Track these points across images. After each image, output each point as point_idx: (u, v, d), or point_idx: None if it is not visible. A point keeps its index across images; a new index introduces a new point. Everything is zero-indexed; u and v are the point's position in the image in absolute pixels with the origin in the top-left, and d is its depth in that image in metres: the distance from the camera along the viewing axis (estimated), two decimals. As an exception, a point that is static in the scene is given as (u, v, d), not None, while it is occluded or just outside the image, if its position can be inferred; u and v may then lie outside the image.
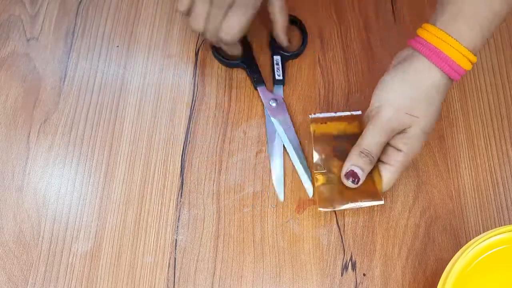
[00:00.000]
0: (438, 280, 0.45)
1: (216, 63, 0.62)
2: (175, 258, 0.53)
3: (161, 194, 0.56)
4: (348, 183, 0.52)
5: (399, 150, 0.50)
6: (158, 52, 0.63)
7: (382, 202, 0.52)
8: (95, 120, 0.59)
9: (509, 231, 0.46)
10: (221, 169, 0.57)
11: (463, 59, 0.48)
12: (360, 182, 0.51)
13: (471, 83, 0.62)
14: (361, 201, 0.52)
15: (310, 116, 0.56)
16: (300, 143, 0.58)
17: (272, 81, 0.61)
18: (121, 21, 0.65)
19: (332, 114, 0.56)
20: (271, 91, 0.60)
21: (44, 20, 0.65)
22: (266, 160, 0.57)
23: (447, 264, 0.46)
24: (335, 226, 0.55)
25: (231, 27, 0.54)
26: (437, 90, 0.49)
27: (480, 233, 0.47)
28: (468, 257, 0.45)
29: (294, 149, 0.57)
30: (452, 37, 0.47)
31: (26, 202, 0.55)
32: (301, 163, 0.56)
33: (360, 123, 0.55)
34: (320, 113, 0.56)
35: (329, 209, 0.53)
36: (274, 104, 0.59)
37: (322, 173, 0.54)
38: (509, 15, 0.48)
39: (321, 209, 0.52)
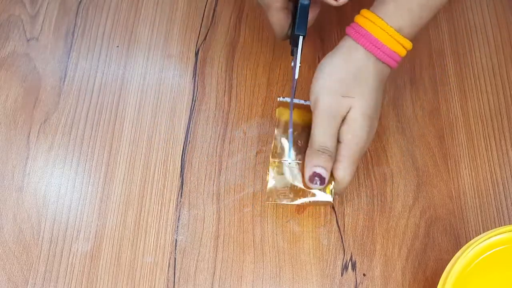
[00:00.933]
0: (438, 280, 0.45)
1: (216, 63, 0.62)
2: (175, 258, 0.53)
3: (161, 194, 0.56)
4: (314, 186, 0.48)
5: (340, 142, 0.48)
6: (158, 52, 0.63)
7: (330, 200, 0.49)
8: (95, 120, 0.59)
9: (509, 231, 0.46)
10: (221, 169, 0.57)
11: (390, 39, 0.48)
12: (326, 182, 0.48)
13: (471, 83, 0.62)
14: (309, 197, 0.49)
15: (278, 98, 0.53)
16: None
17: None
18: (121, 21, 0.65)
19: (301, 102, 0.53)
20: None
21: (44, 20, 0.65)
22: (266, 160, 0.57)
23: (447, 264, 0.46)
24: (335, 226, 0.55)
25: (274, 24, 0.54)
26: (366, 69, 0.48)
27: (480, 233, 0.47)
28: (468, 257, 0.45)
29: None
30: (378, 16, 0.48)
31: (26, 202, 0.55)
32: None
33: None
34: (289, 98, 0.53)
35: (274, 203, 0.50)
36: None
37: (278, 162, 0.50)
38: (443, 5, 0.49)
39: (267, 202, 0.50)
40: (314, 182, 0.48)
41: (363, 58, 0.48)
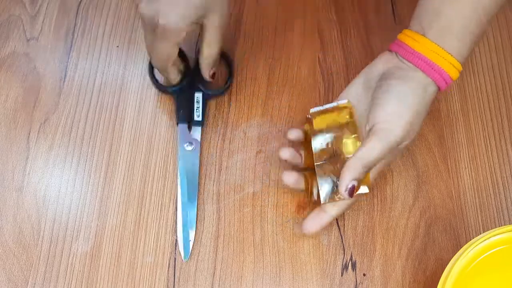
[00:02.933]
0: (438, 280, 0.45)
1: (216, 63, 0.62)
2: (175, 258, 0.53)
3: (161, 194, 0.56)
4: (346, 195, 0.47)
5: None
6: (158, 52, 0.63)
7: (367, 191, 0.49)
8: (95, 120, 0.59)
9: (509, 231, 0.46)
10: (221, 169, 0.57)
11: (456, 72, 0.48)
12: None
13: (471, 83, 0.62)
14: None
15: (311, 110, 0.52)
16: (198, 197, 0.55)
17: (190, 121, 0.58)
18: (121, 21, 0.65)
19: (329, 106, 0.52)
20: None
21: (44, 20, 0.65)
22: (266, 160, 0.57)
23: (447, 264, 0.46)
24: (335, 226, 0.55)
25: (156, 54, 0.53)
26: (431, 103, 0.49)
27: (480, 233, 0.47)
28: (468, 257, 0.45)
29: (189, 201, 0.54)
30: (446, 51, 0.47)
31: (26, 202, 0.55)
32: (183, 219, 0.54)
33: (350, 113, 0.51)
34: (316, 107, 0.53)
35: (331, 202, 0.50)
36: (189, 148, 0.56)
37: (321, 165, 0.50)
38: (488, 26, 0.50)
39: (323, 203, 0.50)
40: (347, 193, 0.47)
41: (432, 94, 0.49)
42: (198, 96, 0.58)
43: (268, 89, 0.61)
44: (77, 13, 0.65)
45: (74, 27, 0.65)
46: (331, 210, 0.51)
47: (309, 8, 0.66)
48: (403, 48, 0.49)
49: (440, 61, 0.48)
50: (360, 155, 0.47)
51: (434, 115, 0.60)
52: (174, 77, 0.57)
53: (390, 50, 0.51)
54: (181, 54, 0.58)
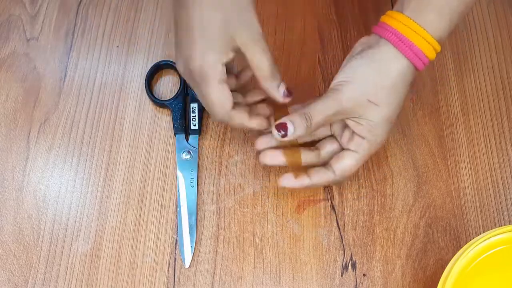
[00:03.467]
0: (438, 280, 0.45)
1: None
2: (175, 258, 0.53)
3: (161, 194, 0.56)
4: (275, 133, 0.48)
5: (363, 138, 0.49)
6: (158, 52, 0.63)
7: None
8: (95, 120, 0.59)
9: (509, 231, 0.46)
10: (221, 169, 0.57)
11: (429, 48, 0.47)
12: (286, 138, 0.48)
13: (471, 83, 0.62)
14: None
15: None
16: (197, 205, 0.55)
17: (187, 130, 0.58)
18: (121, 21, 0.65)
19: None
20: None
21: (44, 20, 0.65)
22: (266, 160, 0.57)
23: (447, 264, 0.46)
24: (335, 226, 0.55)
25: (207, 104, 0.50)
26: (402, 79, 0.48)
27: (480, 233, 0.47)
28: (468, 257, 0.45)
29: (188, 209, 0.54)
30: (419, 26, 0.46)
31: (26, 202, 0.55)
32: (190, 228, 0.54)
33: None
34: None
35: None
36: (187, 157, 0.57)
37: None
38: (474, 3, 0.49)
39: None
40: (278, 130, 0.48)
41: (404, 70, 0.47)
42: (194, 106, 0.58)
43: (268, 89, 0.61)
44: (77, 13, 0.65)
45: (74, 27, 0.65)
46: (314, 178, 0.51)
47: (309, 8, 0.66)
48: (379, 26, 0.49)
49: (411, 35, 0.46)
50: (304, 105, 0.50)
51: (434, 115, 0.60)
52: (244, 121, 0.50)
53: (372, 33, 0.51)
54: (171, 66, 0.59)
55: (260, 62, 0.48)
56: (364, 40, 0.50)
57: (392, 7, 0.66)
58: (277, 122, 0.49)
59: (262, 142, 0.52)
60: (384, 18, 0.49)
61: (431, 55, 0.47)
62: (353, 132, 0.50)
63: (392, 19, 0.48)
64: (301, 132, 0.48)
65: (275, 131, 0.49)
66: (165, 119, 0.59)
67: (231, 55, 0.47)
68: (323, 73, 0.62)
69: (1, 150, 0.58)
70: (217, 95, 0.48)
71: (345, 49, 0.63)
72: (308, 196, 0.56)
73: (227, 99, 0.48)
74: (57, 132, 0.59)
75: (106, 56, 0.63)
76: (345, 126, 0.51)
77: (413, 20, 0.46)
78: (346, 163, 0.50)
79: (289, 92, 0.50)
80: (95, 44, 0.63)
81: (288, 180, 0.51)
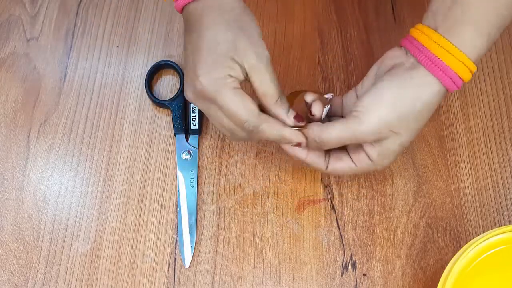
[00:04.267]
0: (438, 280, 0.45)
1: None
2: (175, 258, 0.53)
3: (161, 194, 0.56)
4: (285, 147, 0.48)
5: (370, 158, 0.47)
6: (158, 52, 0.63)
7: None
8: (95, 120, 0.59)
9: (509, 231, 0.46)
10: (221, 169, 0.57)
11: (465, 71, 0.43)
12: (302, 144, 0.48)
13: (471, 83, 0.62)
14: None
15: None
16: (197, 205, 0.55)
17: (187, 130, 0.58)
18: (121, 21, 0.65)
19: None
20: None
21: (44, 20, 0.65)
22: (267, 160, 0.57)
23: (447, 264, 0.46)
24: (335, 226, 0.55)
25: (219, 125, 0.48)
26: (431, 105, 0.45)
27: (480, 233, 0.47)
28: (468, 257, 0.45)
29: (188, 209, 0.54)
30: (455, 47, 0.43)
31: (26, 202, 0.55)
32: (190, 228, 0.54)
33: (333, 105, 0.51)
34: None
35: None
36: (187, 157, 0.57)
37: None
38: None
39: None
40: (296, 119, 0.48)
41: (434, 96, 0.44)
42: (194, 106, 0.58)
43: (268, 89, 0.61)
44: (77, 13, 0.65)
45: (74, 27, 0.65)
46: (310, 156, 0.49)
47: (309, 8, 0.66)
48: (410, 42, 0.46)
49: (446, 58, 0.43)
50: (320, 126, 0.47)
51: (434, 115, 0.59)
52: (279, 129, 0.47)
53: (401, 46, 0.48)
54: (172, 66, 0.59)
55: (268, 88, 0.47)
56: (393, 54, 0.47)
57: (392, 8, 0.66)
58: (294, 142, 0.48)
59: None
60: (415, 33, 0.46)
61: (466, 76, 0.44)
62: (363, 149, 0.47)
63: (424, 36, 0.45)
64: (313, 152, 0.48)
65: (288, 148, 0.48)
66: (165, 119, 0.59)
67: (239, 73, 0.45)
68: (323, 73, 0.62)
69: (1, 150, 0.58)
70: (237, 99, 0.45)
71: (345, 49, 0.63)
72: (308, 196, 0.56)
73: (250, 101, 0.46)
74: (57, 132, 0.59)
75: (106, 56, 0.63)
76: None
77: (448, 40, 0.43)
78: (340, 167, 0.49)
79: (299, 118, 0.48)
80: (95, 44, 0.63)
81: (288, 146, 0.49)
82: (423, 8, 0.65)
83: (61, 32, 0.64)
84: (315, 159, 0.49)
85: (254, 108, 0.46)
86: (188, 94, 0.48)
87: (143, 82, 0.61)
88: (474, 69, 0.44)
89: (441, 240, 0.54)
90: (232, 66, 0.45)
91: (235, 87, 0.45)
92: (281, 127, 0.47)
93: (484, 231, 0.50)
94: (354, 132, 0.45)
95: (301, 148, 0.49)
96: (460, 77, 0.44)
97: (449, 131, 0.59)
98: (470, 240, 0.46)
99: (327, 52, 0.63)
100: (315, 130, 0.47)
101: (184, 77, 0.48)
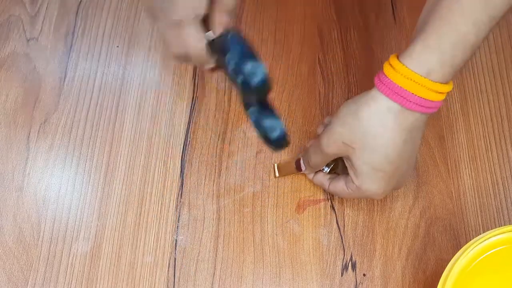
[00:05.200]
0: (438, 280, 0.45)
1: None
2: (175, 258, 0.53)
3: (161, 194, 0.56)
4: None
5: (353, 182, 0.48)
6: (158, 52, 0.63)
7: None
8: (95, 120, 0.59)
9: (509, 231, 0.46)
10: (221, 169, 0.57)
11: (418, 87, 0.43)
12: (302, 171, 0.55)
13: (471, 83, 0.62)
14: None
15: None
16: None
17: None
18: (121, 21, 0.65)
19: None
20: None
21: (44, 20, 0.65)
22: (266, 160, 0.57)
23: (447, 264, 0.46)
24: (335, 226, 0.55)
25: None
26: (384, 121, 0.44)
27: (480, 233, 0.47)
28: (468, 257, 0.45)
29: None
30: (403, 64, 0.43)
31: (26, 202, 0.55)
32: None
33: None
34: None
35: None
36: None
37: None
38: (481, 41, 0.43)
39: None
40: (297, 167, 0.55)
41: (383, 110, 0.44)
42: None
43: (268, 89, 0.61)
44: (77, 13, 0.65)
45: (74, 27, 0.65)
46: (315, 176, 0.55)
47: (309, 8, 0.66)
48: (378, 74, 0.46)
49: (390, 73, 0.43)
50: (309, 146, 0.53)
51: (434, 115, 0.60)
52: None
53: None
54: None
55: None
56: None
57: (392, 8, 0.66)
58: (296, 159, 0.55)
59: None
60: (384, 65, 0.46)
61: (424, 93, 0.43)
62: (351, 171, 0.49)
63: (385, 63, 0.45)
64: (308, 170, 0.54)
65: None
66: (164, 118, 0.60)
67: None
68: (323, 73, 0.62)
69: (1, 150, 0.58)
70: (192, 39, 0.44)
71: (345, 49, 0.63)
72: (308, 196, 0.56)
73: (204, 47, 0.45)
74: (57, 132, 0.59)
75: (106, 56, 0.63)
76: None
77: (398, 60, 0.43)
78: (338, 188, 0.51)
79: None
80: (95, 44, 0.63)
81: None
82: (423, 8, 0.66)
83: (61, 32, 0.64)
84: (319, 177, 0.55)
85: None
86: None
87: (143, 82, 0.61)
88: (432, 85, 0.43)
89: (441, 240, 0.54)
90: None
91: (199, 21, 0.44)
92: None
93: (484, 231, 0.50)
94: (318, 148, 0.49)
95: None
96: (409, 92, 0.43)
97: (449, 131, 0.59)
98: (470, 240, 0.46)
99: (327, 52, 0.63)
100: (306, 152, 0.53)
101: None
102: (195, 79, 0.62)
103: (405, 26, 0.65)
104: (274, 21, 0.65)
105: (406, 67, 0.43)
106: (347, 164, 0.49)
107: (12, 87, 0.61)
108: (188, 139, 0.59)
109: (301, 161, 0.54)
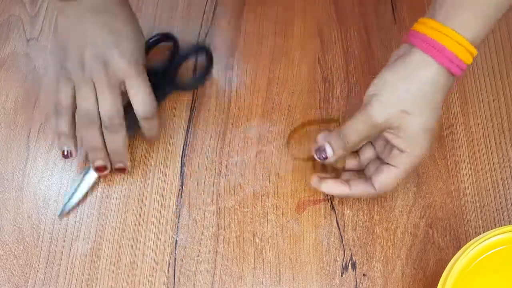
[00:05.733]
0: (438, 280, 0.45)
1: (216, 62, 0.62)
2: (175, 258, 0.53)
3: (161, 194, 0.56)
4: (316, 156, 0.52)
5: (402, 151, 0.48)
6: (152, 49, 0.63)
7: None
8: (95, 120, 0.59)
9: (509, 231, 0.46)
10: (221, 169, 0.57)
11: (462, 50, 0.45)
12: (328, 161, 0.51)
13: (471, 83, 0.62)
14: None
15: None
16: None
17: None
18: (121, 21, 0.65)
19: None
20: None
21: (44, 20, 0.65)
22: (266, 160, 0.57)
23: (447, 264, 0.46)
24: (335, 226, 0.55)
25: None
26: (434, 85, 0.46)
27: (480, 233, 0.47)
28: (468, 257, 0.45)
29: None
30: (450, 28, 0.44)
31: (26, 202, 0.55)
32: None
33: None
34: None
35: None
36: None
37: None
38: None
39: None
40: (317, 154, 0.51)
41: (435, 76, 0.46)
42: None
43: (268, 89, 0.61)
44: (77, 13, 0.65)
45: (74, 27, 0.64)
46: (354, 189, 0.52)
47: (309, 8, 0.66)
48: (409, 34, 0.48)
49: (441, 38, 0.44)
50: (342, 126, 0.50)
51: (434, 115, 0.60)
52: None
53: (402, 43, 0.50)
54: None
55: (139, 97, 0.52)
56: (396, 51, 0.49)
57: (392, 7, 0.66)
58: (316, 146, 0.52)
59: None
60: (415, 26, 0.47)
61: (466, 58, 0.45)
62: (392, 146, 0.49)
63: (421, 25, 0.46)
64: (340, 154, 0.50)
65: (315, 155, 0.51)
66: (164, 118, 0.59)
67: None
68: (323, 73, 0.62)
69: (1, 150, 0.58)
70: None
71: (345, 49, 0.63)
72: (308, 196, 0.56)
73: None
74: (57, 132, 0.59)
75: (106, 56, 0.63)
76: (387, 142, 0.50)
77: (443, 24, 0.45)
78: (385, 178, 0.50)
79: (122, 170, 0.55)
80: (95, 44, 0.63)
81: (327, 185, 0.52)
82: (423, 8, 0.66)
83: (61, 32, 0.64)
84: (360, 187, 0.51)
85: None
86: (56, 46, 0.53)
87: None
88: (473, 50, 0.45)
89: (441, 240, 0.54)
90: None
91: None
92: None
93: (484, 231, 0.50)
94: (366, 119, 0.47)
95: (341, 186, 0.52)
96: (457, 57, 0.45)
97: (449, 131, 0.59)
98: (470, 240, 0.46)
99: (327, 52, 0.63)
100: (339, 130, 0.50)
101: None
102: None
103: (405, 26, 0.65)
104: (274, 21, 0.65)
105: (459, 33, 0.44)
106: (391, 137, 0.48)
107: (12, 87, 0.61)
108: (188, 139, 0.59)
109: (327, 146, 0.51)
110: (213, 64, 0.61)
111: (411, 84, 0.46)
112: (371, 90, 0.48)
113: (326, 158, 0.51)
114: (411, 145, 0.48)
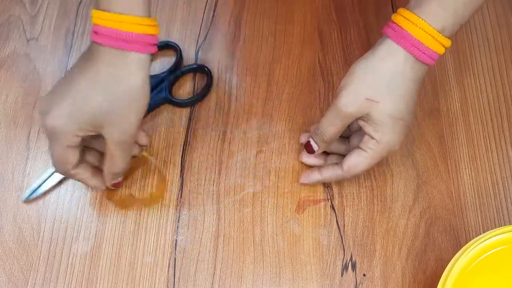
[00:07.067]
0: (438, 280, 0.45)
1: (216, 62, 0.62)
2: (175, 258, 0.53)
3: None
4: (306, 151, 0.55)
5: (372, 137, 0.49)
6: (158, 52, 0.63)
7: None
8: (95, 120, 0.59)
9: (509, 231, 0.46)
10: (221, 169, 0.57)
11: (430, 39, 0.46)
12: (317, 153, 0.54)
13: (471, 83, 0.62)
14: None
15: None
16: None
17: None
18: (121, 21, 0.65)
19: None
20: None
21: (44, 20, 0.65)
22: (266, 160, 0.57)
23: (447, 264, 0.46)
24: (335, 226, 0.55)
25: (52, 156, 0.50)
26: (401, 73, 0.47)
27: (480, 233, 0.47)
28: (468, 257, 0.45)
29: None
30: (419, 17, 0.45)
31: (26, 202, 0.55)
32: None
33: None
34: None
35: None
36: None
37: None
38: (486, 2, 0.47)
39: None
40: (307, 148, 0.55)
41: (401, 62, 0.47)
42: None
43: (268, 89, 0.61)
44: (77, 13, 0.65)
45: (74, 27, 0.65)
46: (324, 173, 0.54)
47: (309, 8, 0.66)
48: (386, 25, 0.49)
49: (408, 26, 0.46)
50: (319, 121, 0.52)
51: (434, 115, 0.60)
52: (90, 182, 0.52)
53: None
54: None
55: (112, 164, 0.50)
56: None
57: (392, 7, 0.66)
58: (303, 141, 0.56)
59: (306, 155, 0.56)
60: (392, 16, 0.49)
61: (435, 46, 0.46)
62: (363, 132, 0.50)
63: (395, 15, 0.48)
64: (323, 146, 0.53)
65: (305, 150, 0.55)
66: (164, 118, 0.59)
67: (89, 134, 0.47)
68: (323, 73, 0.62)
69: (1, 150, 0.58)
70: (60, 154, 0.48)
71: (345, 49, 0.63)
72: (308, 196, 0.56)
73: (71, 159, 0.49)
74: (57, 132, 0.59)
75: (106, 56, 0.63)
76: None
77: (413, 13, 0.46)
78: (353, 160, 0.51)
79: (116, 185, 0.54)
80: (95, 44, 0.63)
81: (303, 177, 0.56)
82: (423, 8, 0.66)
83: (61, 32, 0.64)
84: (330, 170, 0.54)
85: (68, 167, 0.50)
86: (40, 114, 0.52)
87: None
88: (443, 41, 0.46)
89: (441, 240, 0.54)
90: (84, 127, 0.47)
91: (68, 145, 0.48)
92: (87, 178, 0.52)
93: (484, 231, 0.50)
94: (337, 112, 0.49)
95: (313, 175, 0.55)
96: (423, 44, 0.46)
97: (449, 131, 0.59)
98: (470, 240, 0.46)
99: (327, 52, 0.63)
100: (317, 126, 0.52)
101: (50, 93, 0.48)
102: (195, 79, 0.62)
103: (405, 26, 0.65)
104: (274, 21, 0.65)
105: (426, 22, 0.45)
106: (362, 124, 0.49)
107: (12, 87, 0.61)
108: (188, 139, 0.59)
109: (311, 141, 0.53)
110: (213, 84, 0.61)
111: (379, 72, 0.48)
112: (341, 83, 0.49)
113: (314, 151, 0.54)
114: (378, 132, 0.49)
